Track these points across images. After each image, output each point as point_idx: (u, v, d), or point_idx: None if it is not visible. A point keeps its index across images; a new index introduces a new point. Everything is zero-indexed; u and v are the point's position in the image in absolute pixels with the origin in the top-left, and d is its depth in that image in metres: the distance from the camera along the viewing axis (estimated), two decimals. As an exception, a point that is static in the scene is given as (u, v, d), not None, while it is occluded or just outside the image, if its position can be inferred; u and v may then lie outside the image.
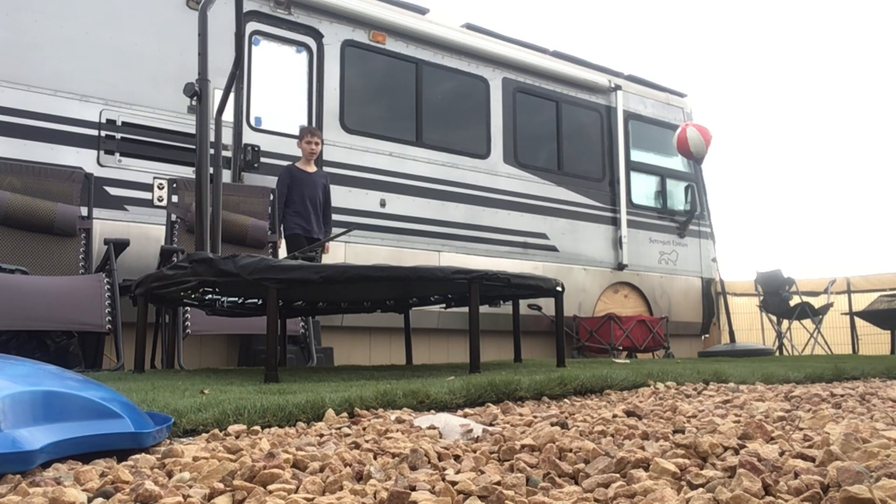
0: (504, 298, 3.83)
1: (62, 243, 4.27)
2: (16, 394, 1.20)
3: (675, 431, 1.43)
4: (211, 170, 3.62)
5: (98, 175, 4.64)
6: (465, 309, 3.08)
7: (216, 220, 3.62)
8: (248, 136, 5.38)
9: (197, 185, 3.46)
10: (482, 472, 1.12)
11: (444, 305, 4.03)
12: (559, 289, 3.47)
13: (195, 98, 3.44)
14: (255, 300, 3.69)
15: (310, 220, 5.23)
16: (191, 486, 1.05)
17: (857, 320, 8.43)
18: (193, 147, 3.87)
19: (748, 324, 9.07)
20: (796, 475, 1.00)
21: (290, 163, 5.36)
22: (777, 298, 8.45)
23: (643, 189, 7.88)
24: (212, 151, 3.86)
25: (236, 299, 3.69)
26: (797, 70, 28.26)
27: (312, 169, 5.38)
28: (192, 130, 4.27)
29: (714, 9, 30.27)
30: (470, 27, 6.83)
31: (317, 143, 5.31)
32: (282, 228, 5.15)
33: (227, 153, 5.26)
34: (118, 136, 4.86)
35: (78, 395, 1.31)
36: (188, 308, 4.21)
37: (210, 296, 3.49)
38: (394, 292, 3.72)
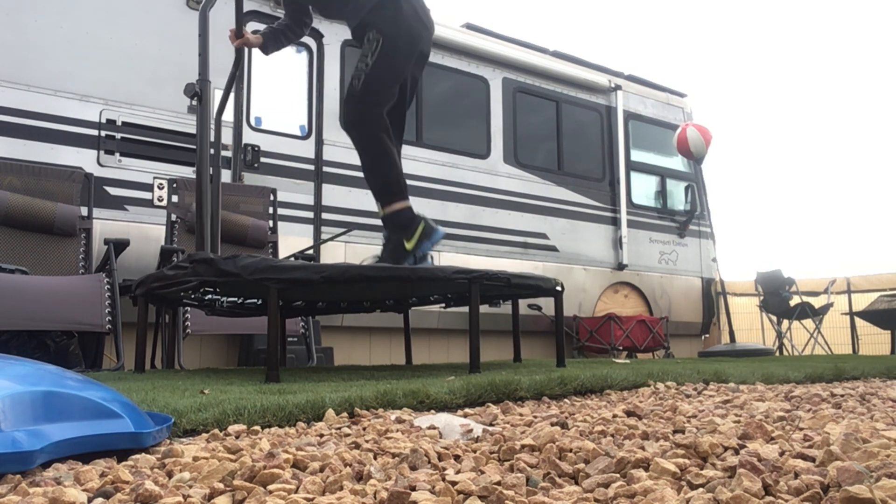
0: (504, 298, 3.82)
1: (62, 243, 4.27)
2: (16, 394, 1.20)
3: (675, 431, 1.43)
4: (210, 170, 3.62)
5: (98, 175, 4.64)
6: (465, 309, 3.08)
7: (215, 220, 3.62)
8: (248, 136, 5.38)
9: (197, 185, 3.46)
10: (482, 472, 1.12)
11: (443, 305, 4.03)
12: (559, 289, 3.46)
13: (195, 99, 3.44)
14: (255, 300, 3.69)
15: None
16: (191, 486, 1.05)
17: (857, 320, 8.43)
18: (194, 147, 3.87)
19: (748, 324, 9.07)
20: (796, 475, 1.00)
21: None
22: (777, 298, 8.45)
23: (643, 189, 7.88)
24: (212, 151, 3.86)
25: (236, 299, 3.69)
26: (797, 70, 28.27)
27: None
28: (192, 130, 4.27)
29: (714, 9, 30.28)
30: (470, 27, 6.83)
31: None
32: None
33: (228, 153, 5.27)
34: (118, 136, 4.86)
35: (78, 395, 1.31)
36: (188, 308, 4.21)
37: (210, 296, 3.49)
38: (394, 292, 3.72)
